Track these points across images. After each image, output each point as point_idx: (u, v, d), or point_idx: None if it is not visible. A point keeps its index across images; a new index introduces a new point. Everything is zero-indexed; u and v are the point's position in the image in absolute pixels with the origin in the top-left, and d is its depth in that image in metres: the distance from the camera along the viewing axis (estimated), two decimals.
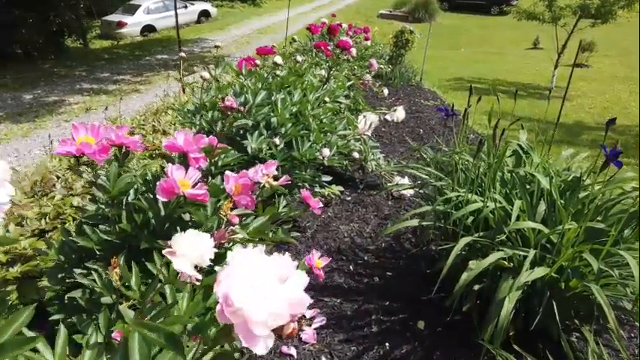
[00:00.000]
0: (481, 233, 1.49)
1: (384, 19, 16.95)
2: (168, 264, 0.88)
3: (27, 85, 6.72)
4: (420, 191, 2.02)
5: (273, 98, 2.28)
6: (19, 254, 1.74)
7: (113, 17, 12.30)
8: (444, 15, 18.11)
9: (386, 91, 5.00)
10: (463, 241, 1.37)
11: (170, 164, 1.19)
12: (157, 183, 1.15)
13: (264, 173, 1.31)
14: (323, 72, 3.46)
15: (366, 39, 6.62)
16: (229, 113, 1.42)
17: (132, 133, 3.03)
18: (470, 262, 1.38)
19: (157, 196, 1.15)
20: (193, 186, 1.21)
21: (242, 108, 1.41)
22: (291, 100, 2.30)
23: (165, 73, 7.80)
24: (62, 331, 0.86)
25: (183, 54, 2.46)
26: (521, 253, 1.44)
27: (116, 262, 1.05)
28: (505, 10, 18.36)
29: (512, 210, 1.46)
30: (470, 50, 13.03)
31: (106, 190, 1.35)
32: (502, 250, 1.38)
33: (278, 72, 2.00)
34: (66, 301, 1.24)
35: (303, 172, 2.11)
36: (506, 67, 10.69)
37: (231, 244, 1.19)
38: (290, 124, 2.18)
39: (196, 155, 1.31)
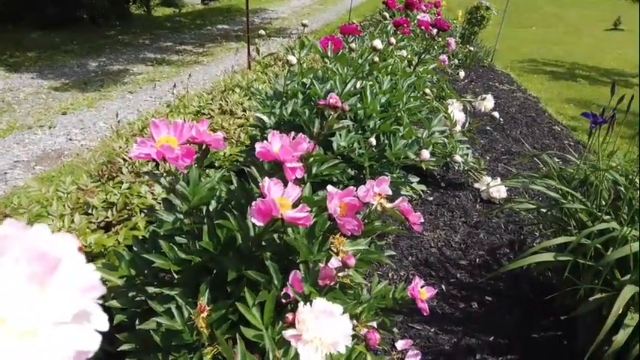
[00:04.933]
0: None
1: None
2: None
3: (92, 53, 6.72)
4: (531, 203, 1.72)
5: (358, 86, 2.02)
6: (85, 251, 1.60)
7: None
8: None
9: (462, 74, 4.61)
10: (628, 292, 1.07)
11: (267, 178, 0.97)
12: (253, 203, 0.93)
13: (375, 192, 1.07)
14: (404, 53, 3.15)
15: (438, 14, 6.21)
16: (331, 113, 1.18)
17: (198, 113, 2.86)
18: (628, 316, 1.09)
19: (253, 220, 0.93)
20: (294, 206, 0.99)
21: (346, 107, 1.16)
22: (379, 89, 2.03)
23: (226, 44, 7.62)
24: None
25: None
26: None
27: (203, 307, 0.85)
28: None
29: None
30: (542, 29, 12.10)
31: (186, 197, 1.15)
32: None
33: (376, 58, 1.73)
34: (137, 328, 1.06)
35: (394, 174, 1.85)
36: (585, 49, 9.82)
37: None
38: (379, 118, 1.91)
39: (294, 165, 1.08)
